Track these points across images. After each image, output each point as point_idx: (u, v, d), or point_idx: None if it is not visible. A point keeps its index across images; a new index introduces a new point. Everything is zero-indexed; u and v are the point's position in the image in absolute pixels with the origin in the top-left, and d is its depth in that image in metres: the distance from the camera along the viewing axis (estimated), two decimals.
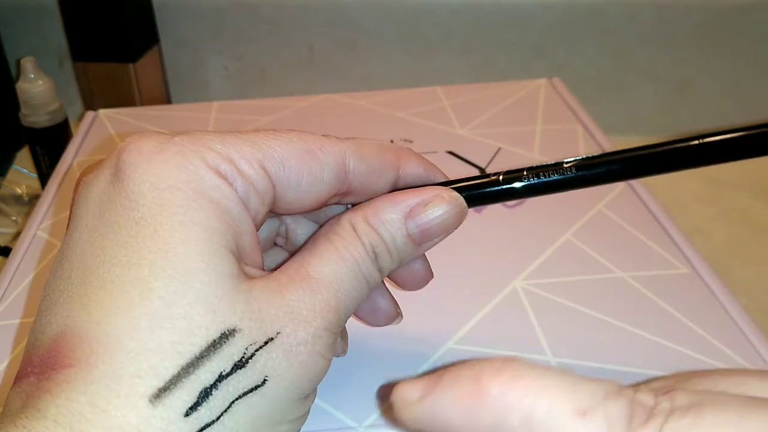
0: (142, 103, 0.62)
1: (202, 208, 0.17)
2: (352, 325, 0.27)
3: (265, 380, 0.17)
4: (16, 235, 0.51)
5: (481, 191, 0.21)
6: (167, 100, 0.67)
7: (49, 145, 0.52)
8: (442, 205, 0.20)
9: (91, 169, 0.19)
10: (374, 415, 0.24)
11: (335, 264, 0.19)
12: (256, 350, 0.17)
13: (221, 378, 0.16)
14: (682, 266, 0.31)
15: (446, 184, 0.22)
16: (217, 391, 0.16)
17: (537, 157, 0.40)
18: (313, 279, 0.19)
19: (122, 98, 0.61)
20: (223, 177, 0.18)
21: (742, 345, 0.26)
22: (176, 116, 0.46)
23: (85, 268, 0.17)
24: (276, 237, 0.24)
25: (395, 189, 0.21)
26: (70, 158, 0.40)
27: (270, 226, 0.23)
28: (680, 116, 0.66)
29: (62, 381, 0.16)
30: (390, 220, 0.20)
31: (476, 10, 0.63)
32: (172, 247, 0.17)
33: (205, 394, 0.16)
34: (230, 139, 0.18)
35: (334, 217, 0.21)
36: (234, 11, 0.64)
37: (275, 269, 0.20)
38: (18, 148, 0.62)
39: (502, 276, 0.30)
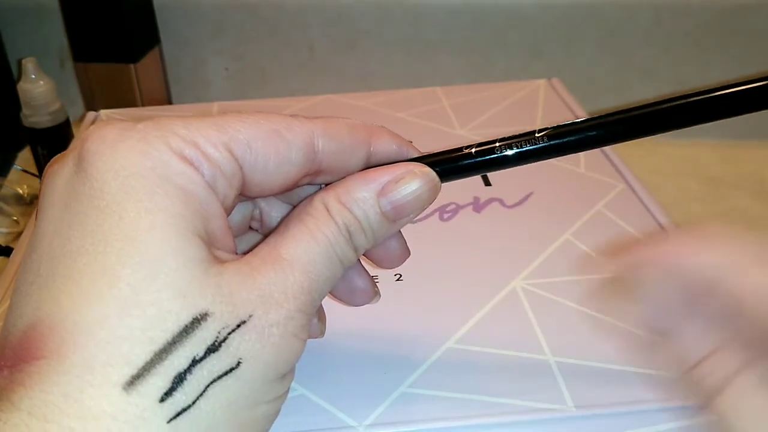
0: (143, 104, 0.62)
1: (167, 194, 0.17)
2: (352, 324, 0.27)
3: (239, 363, 0.17)
4: (18, 235, 0.51)
5: (454, 165, 0.21)
6: (168, 101, 0.67)
7: (51, 145, 0.53)
8: (414, 180, 0.20)
9: (56, 160, 0.19)
10: (374, 414, 0.24)
11: (308, 244, 0.19)
12: (229, 333, 0.17)
13: (195, 362, 0.16)
14: None
15: (419, 159, 0.22)
16: (191, 376, 0.16)
17: None
18: (285, 260, 0.18)
19: (123, 99, 0.61)
20: (189, 162, 0.18)
21: None
22: (177, 117, 0.46)
23: (52, 259, 0.17)
24: (250, 221, 0.24)
25: (368, 167, 0.21)
26: None
27: (243, 210, 0.23)
28: None
29: (34, 373, 0.16)
30: (363, 198, 0.20)
31: (476, 11, 0.63)
32: (139, 234, 0.16)
33: (179, 379, 0.16)
34: (195, 123, 0.18)
35: (306, 197, 0.21)
36: (234, 12, 0.64)
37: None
38: (19, 148, 0.62)
39: (502, 276, 0.30)
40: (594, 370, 0.25)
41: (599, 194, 0.36)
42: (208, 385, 0.17)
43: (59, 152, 0.19)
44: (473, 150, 0.21)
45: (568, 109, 0.45)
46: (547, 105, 0.46)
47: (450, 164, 0.21)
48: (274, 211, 0.23)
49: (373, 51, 0.65)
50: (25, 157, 0.61)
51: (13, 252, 0.32)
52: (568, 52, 0.64)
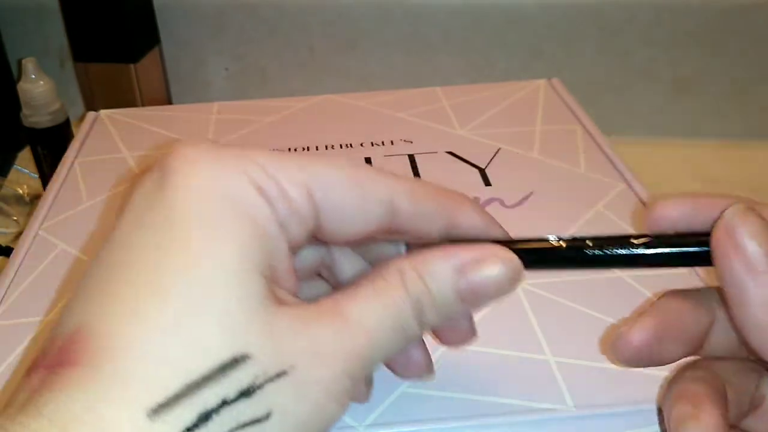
0: (143, 104, 0.62)
1: (237, 224, 0.17)
2: None
3: (269, 414, 0.16)
4: (18, 235, 0.51)
5: (539, 256, 0.20)
6: (168, 101, 0.67)
7: (51, 145, 0.53)
8: (497, 265, 0.19)
9: (147, 168, 0.19)
10: (374, 414, 0.24)
11: (373, 308, 0.18)
12: (266, 381, 0.16)
13: (224, 404, 0.16)
14: None
15: (504, 243, 0.21)
16: (217, 416, 0.16)
17: (536, 157, 0.40)
18: (344, 317, 0.18)
19: (123, 99, 0.61)
20: (265, 195, 0.17)
21: None
22: (177, 117, 0.46)
23: (111, 266, 0.17)
24: (320, 267, 0.23)
25: (448, 237, 0.20)
26: (72, 159, 0.40)
27: (314, 254, 0.22)
28: (679, 117, 0.66)
29: (66, 378, 0.15)
30: (440, 272, 0.19)
31: (476, 11, 0.63)
32: (200, 259, 0.16)
33: (205, 417, 0.15)
34: (278, 157, 0.18)
35: (383, 260, 0.20)
36: (234, 12, 0.64)
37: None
38: (19, 148, 0.62)
39: None
40: (594, 370, 0.25)
41: (599, 194, 0.36)
42: (233, 430, 0.16)
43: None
44: (563, 244, 0.20)
45: (568, 109, 0.45)
46: (547, 105, 0.46)
47: (535, 255, 0.20)
48: (347, 263, 0.22)
49: (373, 51, 0.65)
50: (25, 157, 0.61)
51: (13, 252, 0.33)
52: (568, 52, 0.64)
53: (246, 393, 0.16)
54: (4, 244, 0.48)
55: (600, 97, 0.65)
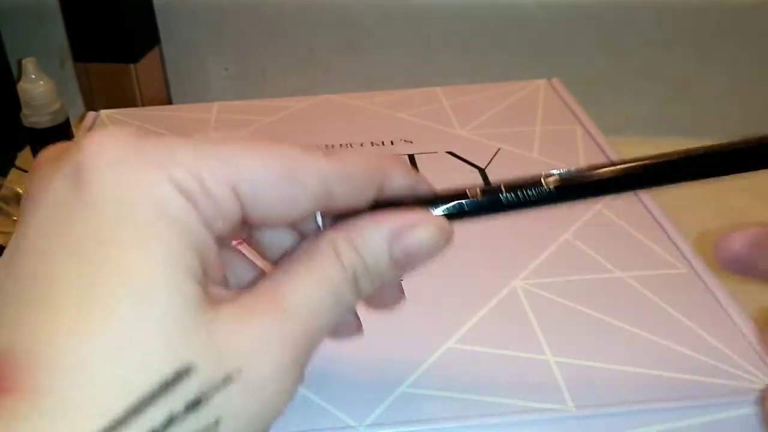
0: (143, 104, 0.62)
1: (164, 230, 0.16)
2: None
3: (217, 421, 0.16)
4: None
5: (459, 208, 0.21)
6: (168, 101, 0.67)
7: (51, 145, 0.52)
8: (429, 227, 0.20)
9: (47, 159, 0.17)
10: (374, 414, 0.24)
11: (311, 289, 0.18)
12: (212, 390, 0.16)
13: (172, 420, 0.15)
14: (681, 266, 0.31)
15: (427, 200, 0.21)
16: None
17: (536, 157, 0.40)
18: (284, 307, 0.17)
19: (123, 99, 0.61)
20: (189, 197, 0.16)
21: (741, 345, 0.26)
22: (177, 117, 0.46)
23: (37, 280, 0.16)
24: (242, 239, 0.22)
25: (378, 202, 0.20)
26: None
27: (237, 233, 0.22)
28: (679, 117, 0.66)
29: (3, 407, 0.14)
30: (374, 240, 0.19)
31: (476, 11, 0.63)
32: (132, 271, 0.15)
33: None
34: (203, 152, 0.17)
35: (313, 234, 0.20)
36: (235, 12, 0.64)
37: (240, 276, 0.19)
38: (19, 148, 0.62)
39: (502, 276, 0.30)
40: (594, 370, 0.25)
41: None
42: None
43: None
44: (479, 193, 0.21)
45: (568, 109, 0.45)
46: (547, 105, 0.46)
47: (455, 208, 0.21)
48: (273, 236, 0.22)
49: (373, 51, 0.65)
50: (25, 157, 0.61)
51: None
52: (568, 52, 0.64)
53: (193, 405, 0.15)
54: (3, 244, 0.48)
55: (600, 97, 0.65)
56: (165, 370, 0.15)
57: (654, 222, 0.34)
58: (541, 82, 0.49)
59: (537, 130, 0.43)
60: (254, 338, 0.17)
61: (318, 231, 0.20)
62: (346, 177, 0.19)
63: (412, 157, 0.40)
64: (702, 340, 0.27)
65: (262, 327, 0.17)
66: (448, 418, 0.24)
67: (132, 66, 0.60)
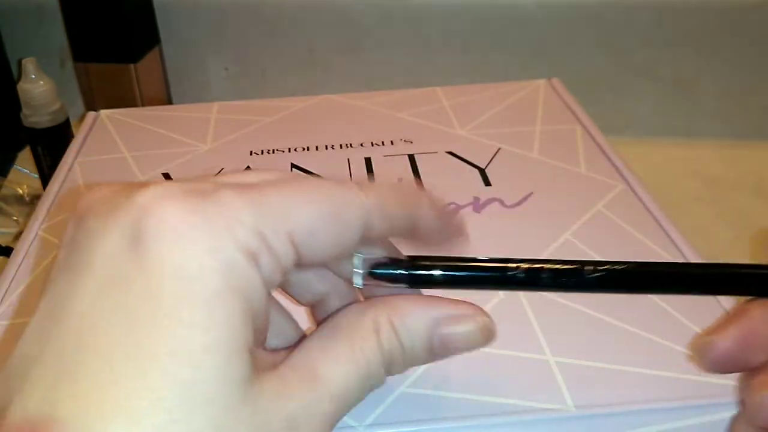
0: (143, 104, 0.62)
1: (229, 302, 0.15)
2: None
3: None
4: (18, 235, 0.51)
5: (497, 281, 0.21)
6: (168, 101, 0.67)
7: (51, 145, 0.53)
8: (472, 325, 0.20)
9: (98, 203, 0.17)
10: (374, 414, 0.24)
11: (349, 372, 0.18)
12: None
13: None
14: None
15: (463, 260, 0.21)
16: None
17: (537, 157, 0.40)
18: (322, 386, 0.17)
19: (123, 99, 0.61)
20: (255, 259, 0.16)
21: None
22: (177, 117, 0.46)
23: (82, 346, 0.15)
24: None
25: (408, 237, 0.20)
26: (72, 159, 0.40)
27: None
28: (679, 117, 0.66)
29: None
30: (416, 329, 0.19)
31: (476, 11, 0.63)
32: (189, 351, 0.15)
33: None
34: (262, 208, 0.17)
35: (355, 305, 0.20)
36: (235, 12, 0.64)
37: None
38: (19, 148, 0.62)
39: None
40: (594, 370, 0.25)
41: (599, 194, 0.36)
42: None
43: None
44: (523, 269, 0.21)
45: (567, 109, 0.45)
46: (547, 105, 0.46)
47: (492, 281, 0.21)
48: (310, 279, 0.22)
49: (373, 51, 0.65)
50: (25, 157, 0.61)
51: (13, 252, 0.33)
52: (568, 52, 0.64)
53: None
54: (4, 244, 0.48)
55: (600, 97, 0.65)
56: None
57: (654, 222, 0.34)
58: (541, 82, 0.49)
59: (537, 130, 0.43)
60: (291, 416, 0.17)
61: (358, 302, 0.20)
62: (384, 212, 0.19)
63: (412, 157, 0.40)
64: None
65: (300, 404, 0.17)
66: (448, 418, 0.24)
67: (132, 66, 0.60)
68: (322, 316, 0.22)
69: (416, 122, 0.44)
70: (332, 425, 0.18)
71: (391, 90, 0.49)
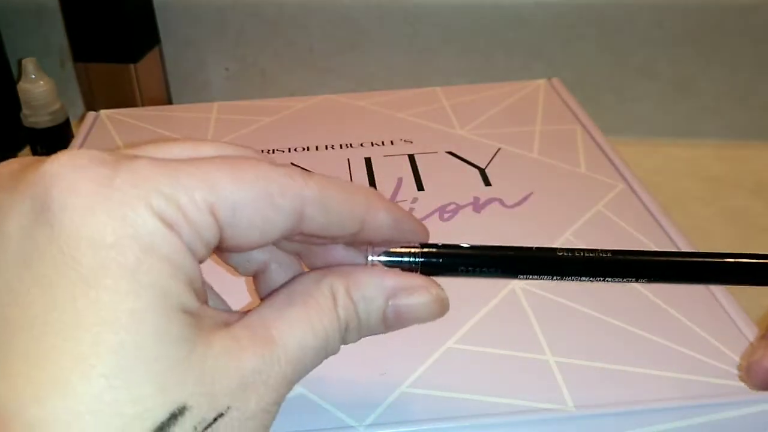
0: (143, 104, 0.62)
1: (152, 267, 0.15)
2: None
3: None
4: None
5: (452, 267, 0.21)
6: (168, 101, 0.67)
7: (51, 145, 0.53)
8: (426, 296, 0.20)
9: (6, 177, 0.16)
10: (374, 414, 0.24)
11: (304, 335, 0.18)
12: (202, 426, 0.15)
13: None
14: None
15: (423, 246, 0.21)
16: None
17: (536, 157, 0.40)
18: (277, 348, 0.17)
19: (123, 99, 0.61)
20: (170, 225, 0.16)
21: (740, 345, 0.26)
22: (177, 117, 0.46)
23: (6, 327, 0.15)
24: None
25: (359, 235, 0.20)
26: None
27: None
28: (679, 117, 0.66)
29: None
30: (372, 299, 0.19)
31: (476, 11, 0.63)
32: (119, 317, 0.14)
33: None
34: (181, 177, 0.16)
35: (314, 273, 0.20)
36: (235, 12, 0.64)
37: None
38: (19, 148, 0.62)
39: None
40: (594, 370, 0.25)
41: (599, 194, 0.36)
42: None
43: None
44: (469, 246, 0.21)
45: (567, 109, 0.45)
46: (547, 105, 0.46)
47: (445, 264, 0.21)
48: (255, 254, 0.21)
49: (373, 51, 0.65)
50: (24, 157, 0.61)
51: None
52: (568, 52, 0.64)
53: None
54: None
55: (600, 97, 0.65)
56: (160, 415, 0.15)
57: (654, 222, 0.34)
58: (541, 82, 0.49)
59: (537, 130, 0.43)
60: (244, 376, 0.16)
61: (314, 270, 0.20)
62: (324, 202, 0.18)
63: (412, 157, 0.40)
64: (702, 340, 0.27)
65: (254, 365, 0.17)
66: (448, 418, 0.24)
67: (132, 66, 0.60)
68: (264, 289, 0.22)
69: (416, 122, 0.44)
70: (285, 390, 0.17)
71: (391, 90, 0.49)
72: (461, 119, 0.44)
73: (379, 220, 0.19)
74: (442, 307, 0.20)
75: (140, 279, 0.15)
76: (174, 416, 0.15)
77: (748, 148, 0.64)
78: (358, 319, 0.19)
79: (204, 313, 0.17)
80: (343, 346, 0.19)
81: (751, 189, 0.58)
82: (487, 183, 0.37)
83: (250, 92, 0.68)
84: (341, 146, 0.41)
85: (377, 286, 0.19)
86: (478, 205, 0.35)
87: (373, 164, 0.39)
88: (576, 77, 0.64)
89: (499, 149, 0.41)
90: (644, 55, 0.63)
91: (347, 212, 0.19)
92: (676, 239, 0.32)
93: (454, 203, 0.35)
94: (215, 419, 0.16)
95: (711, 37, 0.62)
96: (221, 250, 0.19)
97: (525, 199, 0.36)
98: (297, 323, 0.18)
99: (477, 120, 0.44)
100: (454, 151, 0.41)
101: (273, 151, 0.41)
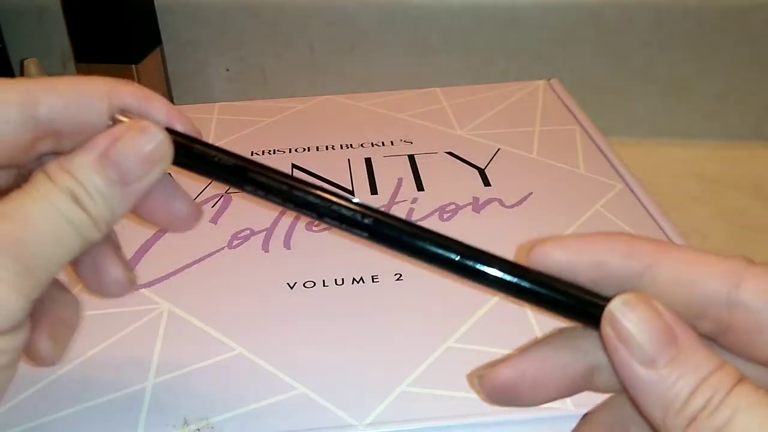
0: None
1: None
2: (352, 323, 0.28)
3: None
4: None
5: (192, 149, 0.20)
6: (169, 102, 0.68)
7: None
8: (133, 137, 0.19)
9: None
10: (374, 413, 0.24)
11: (25, 202, 0.18)
12: None
13: None
14: None
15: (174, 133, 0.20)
16: None
17: (536, 157, 0.40)
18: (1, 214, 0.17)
19: None
20: None
21: None
22: None
23: None
24: None
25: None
26: None
27: None
28: (677, 117, 0.66)
29: None
30: (83, 162, 0.18)
31: (476, 13, 0.63)
32: None
33: None
34: None
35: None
36: (236, 13, 0.65)
37: None
38: None
39: None
40: None
41: (598, 194, 0.36)
42: None
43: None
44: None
45: (567, 110, 0.45)
46: (546, 106, 0.46)
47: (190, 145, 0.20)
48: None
49: (374, 52, 0.66)
50: None
51: None
52: (567, 53, 0.64)
53: None
54: None
55: (599, 98, 0.65)
56: None
57: (652, 222, 0.34)
58: (541, 83, 0.49)
59: (536, 130, 0.43)
60: None
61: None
62: (55, 89, 0.18)
63: (412, 158, 0.40)
64: None
65: None
66: (448, 418, 0.24)
67: (133, 67, 0.60)
68: None
69: (416, 123, 0.44)
70: (36, 253, 0.17)
71: (392, 90, 0.49)
72: (461, 120, 0.45)
73: (126, 99, 0.20)
74: (156, 144, 0.19)
75: None
76: None
77: (746, 148, 0.64)
78: (82, 186, 0.18)
79: None
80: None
81: (750, 189, 0.58)
82: (486, 183, 0.37)
83: (251, 93, 0.69)
84: (341, 146, 0.41)
85: (83, 150, 0.19)
86: (477, 205, 0.36)
87: (373, 164, 0.40)
88: (575, 78, 0.64)
89: (498, 150, 0.41)
90: (643, 56, 0.64)
91: (85, 94, 0.19)
92: (675, 239, 0.32)
93: (453, 203, 0.36)
94: None
95: (709, 39, 0.62)
96: None
97: (524, 199, 0.36)
98: (13, 197, 0.18)
99: (477, 120, 0.44)
100: (453, 152, 0.41)
101: (274, 152, 0.41)
